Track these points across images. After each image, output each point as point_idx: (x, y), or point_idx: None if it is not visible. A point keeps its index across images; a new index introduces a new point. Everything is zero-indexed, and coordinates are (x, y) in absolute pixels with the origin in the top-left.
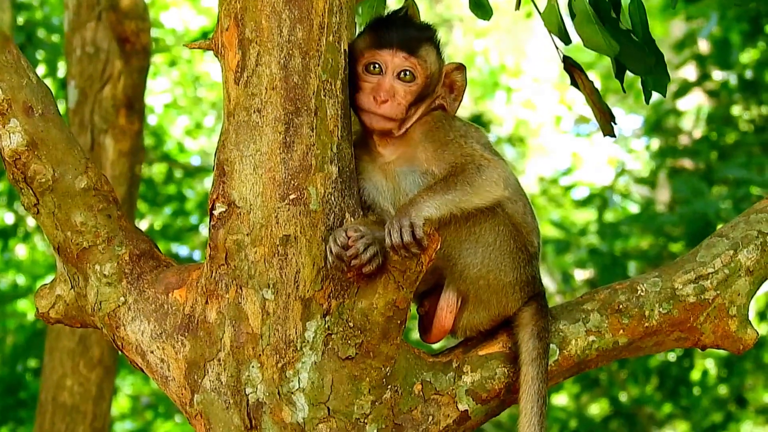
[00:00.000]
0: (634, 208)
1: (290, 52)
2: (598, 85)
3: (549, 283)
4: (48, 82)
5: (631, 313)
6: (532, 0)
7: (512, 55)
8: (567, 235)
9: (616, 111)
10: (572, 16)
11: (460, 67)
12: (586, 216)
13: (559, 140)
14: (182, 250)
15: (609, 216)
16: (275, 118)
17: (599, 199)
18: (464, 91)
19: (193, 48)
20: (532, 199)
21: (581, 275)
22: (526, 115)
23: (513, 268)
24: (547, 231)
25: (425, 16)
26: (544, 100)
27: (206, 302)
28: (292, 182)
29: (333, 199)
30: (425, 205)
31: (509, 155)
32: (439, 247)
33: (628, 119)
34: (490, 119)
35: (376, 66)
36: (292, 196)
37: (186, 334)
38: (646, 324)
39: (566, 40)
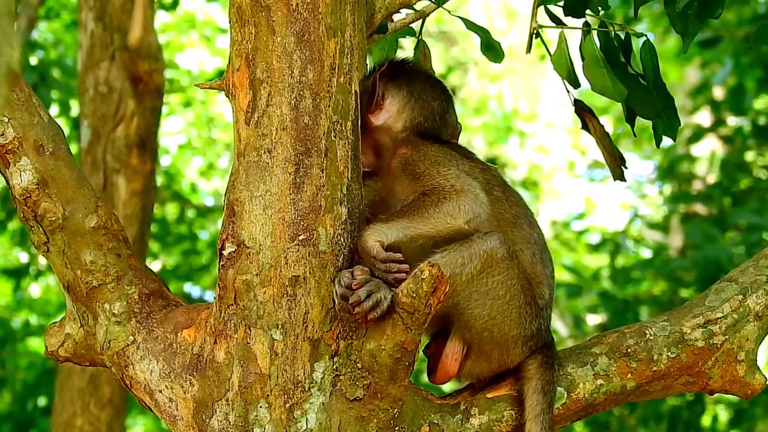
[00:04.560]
0: (646, 253)
1: (301, 92)
2: (611, 129)
3: (560, 327)
4: (61, 121)
5: (639, 357)
6: (543, 43)
7: (526, 98)
8: (579, 279)
9: (630, 156)
10: (582, 59)
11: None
12: (599, 260)
13: (573, 185)
14: (194, 290)
15: (621, 261)
16: (285, 158)
17: (612, 244)
18: (380, 96)
19: (205, 88)
20: None
21: (593, 320)
22: (540, 160)
23: (518, 324)
24: (560, 275)
25: (440, 58)
26: (558, 145)
27: (215, 342)
28: (302, 223)
29: (342, 240)
30: (375, 229)
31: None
32: (447, 289)
33: (642, 164)
34: (504, 163)
35: None
36: (301, 237)
37: (194, 373)
38: (655, 368)
39: (575, 84)
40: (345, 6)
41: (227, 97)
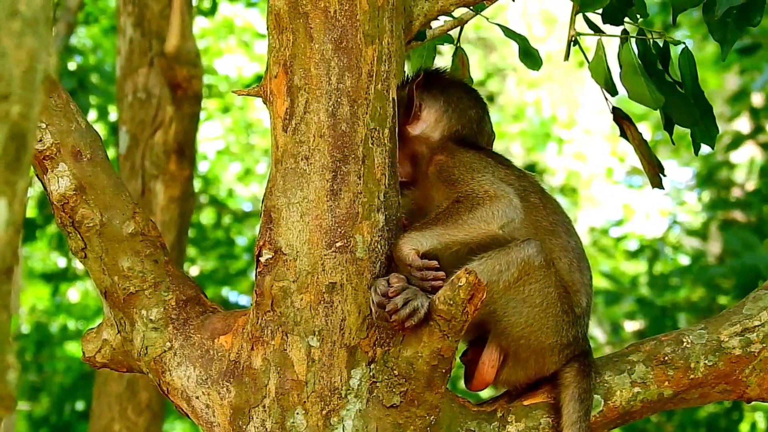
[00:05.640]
0: (685, 260)
1: (338, 99)
2: (649, 136)
3: (599, 334)
4: (99, 126)
5: (676, 365)
6: (582, 51)
7: (565, 105)
8: (617, 286)
9: (669, 163)
10: (620, 67)
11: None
12: (637, 267)
13: (611, 191)
14: (232, 295)
15: (660, 268)
16: (323, 165)
17: (650, 251)
18: (417, 107)
19: (242, 94)
20: None
21: (631, 326)
22: (578, 167)
23: (555, 332)
24: (598, 282)
25: (479, 65)
26: (596, 152)
27: (252, 348)
28: (339, 230)
29: (379, 247)
30: (410, 236)
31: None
32: (484, 297)
33: (681, 171)
34: (543, 169)
35: None
36: (338, 244)
37: (231, 380)
38: (692, 376)
39: (613, 92)
40: (383, 13)
41: (265, 103)
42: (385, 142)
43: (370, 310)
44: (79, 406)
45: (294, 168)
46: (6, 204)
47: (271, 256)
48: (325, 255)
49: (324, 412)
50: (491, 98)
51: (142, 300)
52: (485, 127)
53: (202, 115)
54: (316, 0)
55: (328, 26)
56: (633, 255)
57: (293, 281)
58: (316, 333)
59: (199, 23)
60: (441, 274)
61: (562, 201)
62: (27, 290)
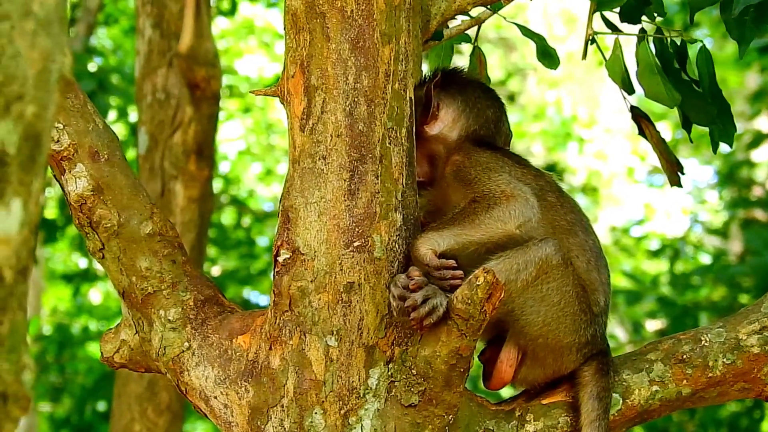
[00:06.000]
0: (706, 259)
1: (356, 99)
2: (669, 135)
3: (620, 333)
4: (119, 127)
5: (694, 364)
6: (599, 50)
7: (585, 105)
8: (638, 285)
9: (690, 161)
10: (637, 65)
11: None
12: (658, 266)
13: (632, 190)
14: (253, 295)
15: (680, 267)
16: (340, 165)
17: (671, 250)
18: (435, 107)
19: (260, 94)
20: (604, 250)
21: (653, 326)
22: (599, 166)
23: (573, 330)
24: (619, 281)
25: (499, 64)
26: (617, 151)
27: (270, 348)
28: (357, 229)
29: (397, 246)
30: (427, 237)
31: (581, 205)
32: (502, 296)
33: (702, 170)
34: (563, 169)
35: None
36: (356, 244)
37: (249, 379)
38: (710, 374)
39: (630, 90)
40: (400, 13)
41: (282, 103)
42: (403, 141)
43: (390, 305)
44: (101, 406)
45: (311, 168)
46: (21, 204)
47: (288, 256)
48: (342, 254)
49: (342, 412)
50: (512, 98)
51: (160, 300)
52: (503, 126)
53: (223, 115)
54: (332, 0)
55: (344, 26)
56: (654, 254)
57: (311, 281)
58: (334, 332)
59: (220, 24)
60: (459, 273)
61: (583, 200)
62: (48, 291)
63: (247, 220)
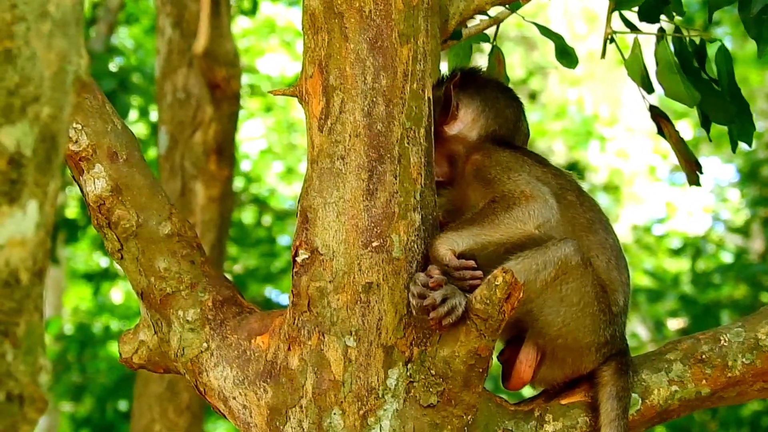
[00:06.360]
0: (727, 258)
1: (374, 99)
2: (691, 133)
3: (642, 331)
4: (140, 126)
5: (713, 363)
6: (618, 49)
7: (607, 103)
8: (660, 284)
9: (712, 160)
10: (656, 64)
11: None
12: (680, 265)
13: (654, 189)
14: (274, 294)
15: (702, 265)
16: (358, 165)
17: (692, 248)
18: (454, 107)
19: (278, 94)
20: (625, 248)
21: (675, 324)
22: (620, 164)
23: (592, 330)
24: (641, 280)
25: (521, 63)
26: (638, 149)
27: (288, 349)
28: (375, 229)
29: (416, 246)
30: (446, 237)
31: (603, 203)
32: (521, 296)
33: (724, 168)
34: (585, 167)
35: None
36: (374, 244)
37: (268, 380)
38: (729, 374)
39: (649, 89)
40: (418, 12)
41: (300, 103)
42: (421, 141)
43: (409, 303)
44: (122, 406)
45: (330, 168)
46: (37, 206)
47: (307, 256)
48: (361, 255)
49: (361, 413)
50: (533, 96)
51: (178, 301)
52: (521, 125)
53: (244, 114)
54: (350, 0)
55: (363, 26)
56: (675, 253)
57: (330, 281)
58: (353, 333)
59: (241, 23)
60: (479, 273)
61: (605, 199)
62: (70, 291)
63: (268, 219)
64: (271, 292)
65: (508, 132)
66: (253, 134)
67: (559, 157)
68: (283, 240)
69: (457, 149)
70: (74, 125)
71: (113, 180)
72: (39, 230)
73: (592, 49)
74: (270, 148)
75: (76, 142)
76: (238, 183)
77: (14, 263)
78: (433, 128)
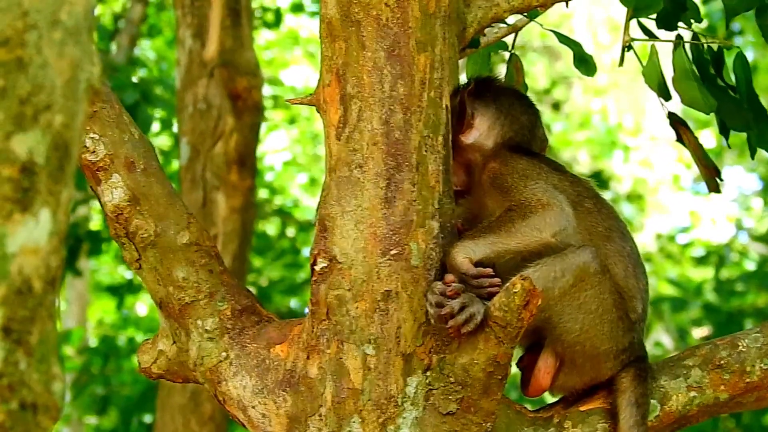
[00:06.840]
0: (751, 266)
1: (392, 107)
2: (714, 142)
3: (666, 340)
4: (163, 138)
5: (732, 369)
6: (637, 57)
7: (631, 113)
8: (683, 292)
9: (735, 169)
10: (673, 72)
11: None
12: (703, 273)
13: (678, 198)
14: (299, 306)
15: (725, 274)
16: (376, 173)
17: (716, 257)
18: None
19: (296, 103)
20: (649, 257)
21: (699, 333)
22: (644, 174)
23: (611, 337)
24: (664, 289)
25: (545, 73)
26: (662, 158)
27: (307, 357)
28: (394, 237)
29: (434, 254)
30: (463, 245)
31: (627, 213)
32: (539, 303)
33: (747, 177)
34: (609, 177)
35: None
36: (393, 252)
37: (287, 389)
38: (747, 380)
39: (666, 97)
40: (435, 21)
41: (318, 112)
42: (439, 149)
43: (427, 311)
44: (147, 418)
45: (348, 176)
46: (50, 214)
47: (325, 265)
48: (380, 263)
49: (380, 420)
50: (557, 106)
51: (197, 310)
52: (538, 132)
53: (268, 125)
54: (368, 8)
55: (380, 34)
56: (699, 261)
57: (348, 289)
58: (372, 341)
59: (265, 35)
60: (497, 280)
61: (629, 208)
62: (94, 304)
63: (292, 230)
64: (296, 304)
65: (525, 139)
66: (277, 146)
67: (583, 167)
68: (307, 251)
69: (473, 158)
70: (91, 135)
71: (131, 190)
72: (52, 238)
73: (616, 58)
74: (294, 159)
75: (94, 152)
76: (262, 194)
77: (27, 271)
78: (450, 136)
